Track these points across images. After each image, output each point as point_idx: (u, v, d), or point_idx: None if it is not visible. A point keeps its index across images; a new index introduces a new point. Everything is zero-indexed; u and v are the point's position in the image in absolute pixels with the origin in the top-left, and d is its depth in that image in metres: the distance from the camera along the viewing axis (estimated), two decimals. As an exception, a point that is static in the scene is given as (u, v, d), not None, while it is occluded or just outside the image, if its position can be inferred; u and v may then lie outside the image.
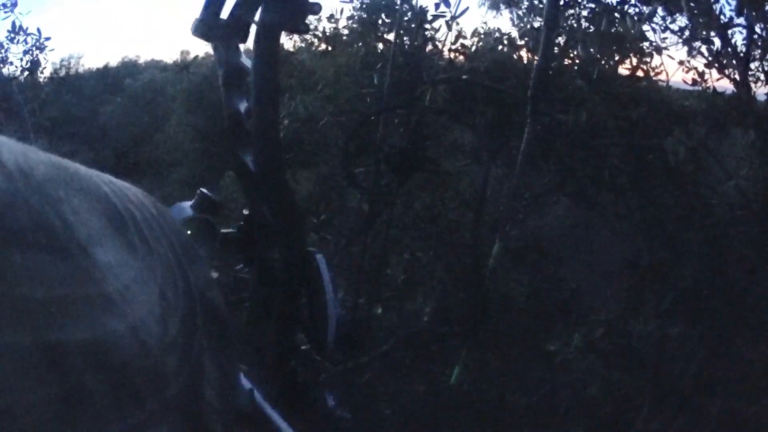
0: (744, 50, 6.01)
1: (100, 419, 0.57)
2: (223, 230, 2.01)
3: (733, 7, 6.00)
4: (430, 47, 5.95)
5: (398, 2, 5.85)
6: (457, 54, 6.06)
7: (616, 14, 6.24)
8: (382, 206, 6.25)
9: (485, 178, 6.21)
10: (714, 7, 5.93)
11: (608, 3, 6.54)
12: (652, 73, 6.10)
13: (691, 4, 5.76)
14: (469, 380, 6.26)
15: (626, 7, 6.47)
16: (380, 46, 6.05)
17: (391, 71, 5.60)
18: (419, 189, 6.35)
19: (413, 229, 6.47)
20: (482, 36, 6.54)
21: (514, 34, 6.64)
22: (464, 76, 5.91)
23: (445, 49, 6.08)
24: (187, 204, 2.07)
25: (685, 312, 5.77)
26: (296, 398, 1.98)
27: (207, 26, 1.75)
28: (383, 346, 6.29)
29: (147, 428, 0.61)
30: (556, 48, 6.11)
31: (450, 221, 6.45)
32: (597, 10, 6.39)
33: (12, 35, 12.39)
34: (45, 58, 12.80)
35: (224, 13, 1.77)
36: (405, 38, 5.86)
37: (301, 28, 1.75)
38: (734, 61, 5.95)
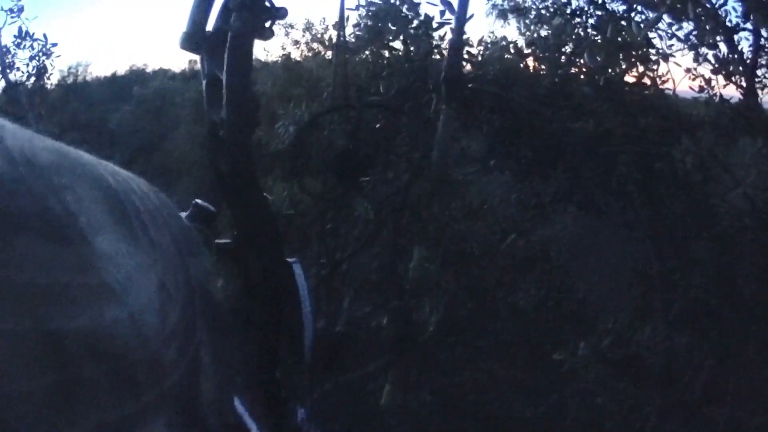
0: (750, 56, 5.99)
1: (98, 408, 0.57)
2: (217, 241, 1.93)
3: (739, 13, 5.98)
4: (436, 55, 5.93)
5: (404, 10, 5.84)
6: (464, 62, 6.05)
7: (623, 22, 6.23)
8: (389, 215, 6.24)
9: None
10: (720, 12, 5.91)
11: (614, 11, 6.53)
12: (658, 81, 6.08)
13: (698, 10, 5.73)
14: (477, 390, 6.25)
15: (632, 14, 6.46)
16: (386, 53, 6.04)
17: (398, 79, 5.61)
18: (426, 198, 6.32)
19: (420, 238, 6.45)
20: (489, 44, 6.53)
21: (521, 42, 6.62)
22: (470, 84, 5.89)
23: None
24: (183, 214, 2.04)
25: (694, 321, 5.76)
26: (272, 410, 1.90)
27: (193, 39, 1.73)
28: (389, 355, 6.27)
29: (144, 418, 0.61)
30: (563, 56, 6.10)
31: (456, 231, 6.42)
32: (604, 17, 6.38)
33: (18, 40, 12.50)
34: (51, 64, 12.94)
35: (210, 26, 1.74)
36: (410, 46, 5.85)
37: (266, 34, 1.70)
38: (741, 68, 5.94)
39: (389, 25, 5.82)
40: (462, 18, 5.86)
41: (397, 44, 5.96)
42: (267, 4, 1.67)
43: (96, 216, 0.64)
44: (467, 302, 6.39)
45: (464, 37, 5.94)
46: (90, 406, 0.56)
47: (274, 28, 1.73)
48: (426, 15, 5.87)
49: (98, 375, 0.57)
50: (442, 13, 5.82)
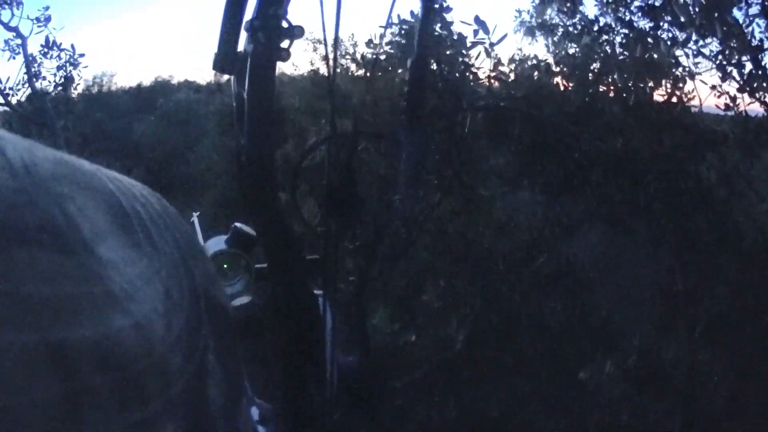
0: (775, 73, 6.02)
1: (104, 418, 0.58)
2: (257, 266, 2.03)
3: (763, 29, 6.01)
4: (468, 74, 5.94)
5: (438, 29, 5.85)
6: (495, 81, 6.07)
7: (650, 39, 6.25)
8: (418, 233, 6.26)
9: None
10: (746, 30, 5.94)
11: (642, 29, 6.55)
12: (685, 99, 6.10)
13: (724, 28, 5.77)
14: (501, 405, 6.26)
15: (660, 32, 6.49)
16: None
17: (431, 97, 5.62)
18: (454, 215, 6.35)
19: (448, 255, 6.47)
20: (518, 62, 6.56)
21: (550, 60, 6.65)
22: (502, 103, 5.93)
23: (483, 76, 6.08)
24: (223, 238, 2.10)
25: (717, 337, 5.77)
26: None
27: (225, 60, 1.75)
28: (416, 372, 6.29)
29: (151, 427, 0.62)
30: (591, 74, 6.13)
31: (484, 248, 6.45)
32: (631, 36, 6.41)
33: (45, 50, 12.55)
34: (78, 75, 12.93)
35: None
36: (443, 65, 5.86)
37: (283, 56, 1.71)
38: (765, 84, 5.96)
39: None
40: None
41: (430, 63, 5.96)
42: (284, 24, 1.68)
43: (98, 224, 0.66)
44: (493, 318, 6.40)
45: (496, 55, 5.98)
46: (97, 415, 0.57)
47: (297, 45, 1.71)
48: (459, 34, 5.88)
49: (105, 384, 0.58)
50: (476, 32, 5.83)
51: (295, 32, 1.70)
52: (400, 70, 6.13)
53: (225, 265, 2.06)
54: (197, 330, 0.73)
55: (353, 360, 2.24)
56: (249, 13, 1.70)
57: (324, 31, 1.76)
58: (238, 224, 2.03)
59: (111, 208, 0.70)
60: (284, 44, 1.71)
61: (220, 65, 1.76)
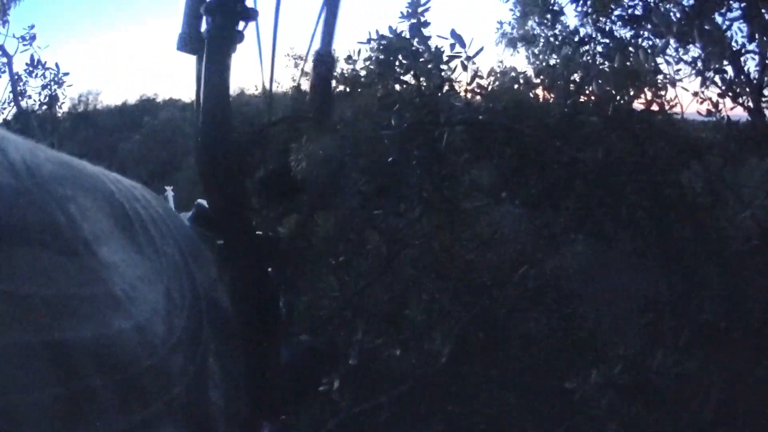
0: (757, 77, 6.03)
1: (105, 418, 0.58)
2: (219, 242, 1.92)
3: (744, 34, 6.03)
4: (447, 88, 5.90)
5: (415, 44, 5.82)
6: (473, 94, 6.04)
7: (631, 48, 6.26)
8: (401, 248, 6.24)
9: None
10: (726, 35, 5.95)
11: (622, 37, 6.56)
12: (666, 107, 6.09)
13: (704, 34, 5.78)
14: (488, 419, 6.24)
15: (640, 40, 6.50)
16: (398, 87, 6.00)
17: (409, 112, 5.59)
18: (437, 229, 6.32)
19: (432, 270, 6.45)
20: (498, 74, 6.54)
21: (530, 72, 6.63)
22: (480, 116, 5.90)
23: (462, 90, 6.04)
24: (186, 215, 1.96)
25: (704, 345, 5.76)
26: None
27: (189, 40, 1.76)
28: (401, 386, 6.26)
29: (152, 428, 0.62)
30: (571, 85, 6.11)
31: (468, 262, 6.43)
32: (611, 45, 6.41)
33: (30, 69, 12.53)
34: (63, 93, 12.93)
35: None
36: (422, 79, 5.83)
37: (234, 36, 1.71)
38: (747, 89, 5.97)
39: (400, 58, 5.79)
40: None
41: (408, 78, 5.93)
42: (239, 7, 1.68)
43: (100, 226, 0.66)
44: (479, 332, 6.38)
45: (474, 68, 5.94)
46: (98, 416, 0.57)
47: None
48: (436, 48, 5.85)
49: (105, 385, 0.58)
50: (452, 46, 5.80)
51: (251, 14, 1.72)
52: (380, 86, 6.10)
53: None
54: (198, 332, 0.73)
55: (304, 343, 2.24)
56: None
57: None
58: (200, 201, 1.95)
59: (112, 209, 0.70)
60: (240, 26, 1.71)
61: (183, 45, 1.76)
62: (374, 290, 6.46)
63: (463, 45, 5.78)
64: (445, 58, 5.83)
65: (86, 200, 0.66)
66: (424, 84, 5.86)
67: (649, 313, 6.13)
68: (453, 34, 5.80)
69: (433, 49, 5.81)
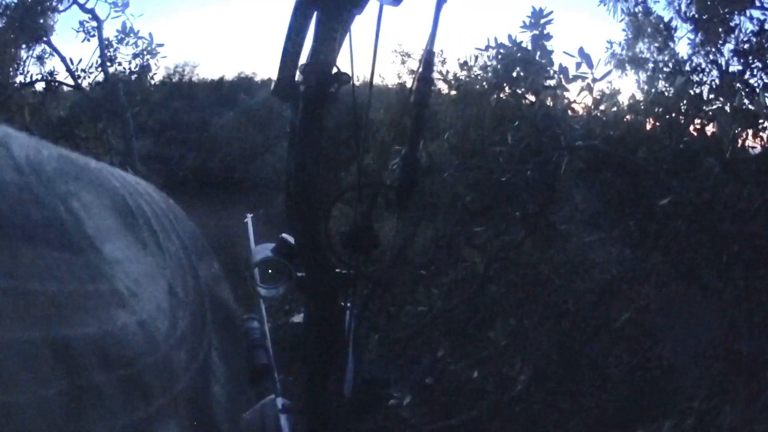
0: None
1: (109, 414, 0.59)
2: (299, 273, 2.17)
3: None
4: (569, 110, 5.73)
5: (537, 58, 5.64)
6: (594, 118, 5.83)
7: (738, 84, 6.01)
8: (501, 268, 6.12)
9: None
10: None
11: (733, 72, 6.34)
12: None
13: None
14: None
15: (746, 75, 6.28)
16: (513, 100, 5.83)
17: (528, 131, 5.43)
18: (540, 253, 6.18)
19: (522, 292, 6.30)
20: (609, 97, 6.38)
21: (639, 96, 6.45)
22: (596, 142, 5.69)
23: (583, 112, 5.85)
24: (270, 246, 2.31)
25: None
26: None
27: (284, 88, 1.95)
28: (472, 410, 6.12)
29: (155, 423, 0.64)
30: (681, 116, 5.88)
31: (556, 286, 6.26)
32: (724, 80, 6.17)
33: (122, 36, 12.59)
34: (156, 64, 13.03)
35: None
36: (546, 99, 5.65)
37: (327, 98, 1.88)
38: None
39: (519, 71, 5.63)
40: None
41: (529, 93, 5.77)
42: (333, 70, 1.84)
43: (104, 222, 0.68)
44: (556, 361, 6.22)
45: (599, 92, 5.76)
46: (101, 412, 0.58)
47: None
48: (561, 66, 5.65)
49: (109, 381, 0.59)
50: (578, 65, 5.58)
51: (343, 78, 1.87)
52: (493, 96, 5.93)
53: (270, 271, 2.34)
54: (202, 328, 0.78)
55: (372, 368, 2.46)
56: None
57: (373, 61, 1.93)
58: (284, 235, 2.24)
59: (116, 206, 0.73)
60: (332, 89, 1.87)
61: (278, 92, 1.98)
62: (462, 309, 6.36)
63: (590, 65, 5.57)
64: (570, 77, 5.62)
65: (90, 196, 0.69)
66: (550, 104, 5.67)
67: (724, 363, 5.87)
68: (581, 52, 5.59)
69: (556, 66, 5.63)
